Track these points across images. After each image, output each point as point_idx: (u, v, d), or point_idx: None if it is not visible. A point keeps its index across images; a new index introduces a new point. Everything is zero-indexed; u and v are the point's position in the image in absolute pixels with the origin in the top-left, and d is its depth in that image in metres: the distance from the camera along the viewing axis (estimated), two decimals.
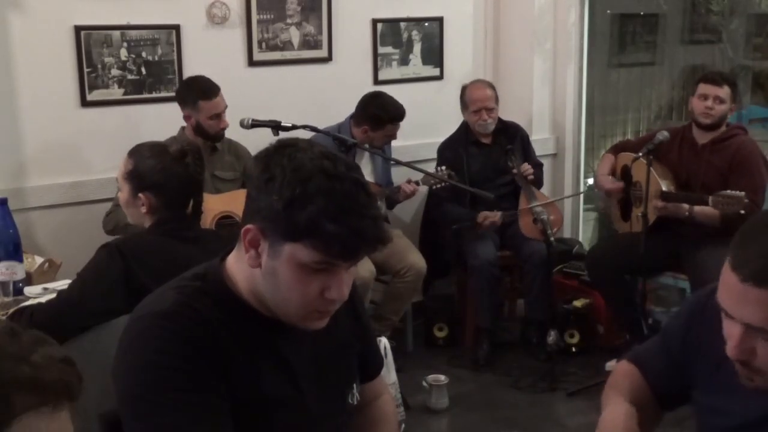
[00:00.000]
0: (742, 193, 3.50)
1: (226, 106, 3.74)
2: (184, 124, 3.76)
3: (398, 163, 3.98)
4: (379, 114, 4.11)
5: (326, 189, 1.25)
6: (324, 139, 3.60)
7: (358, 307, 1.61)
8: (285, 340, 1.42)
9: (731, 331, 1.33)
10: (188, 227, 2.38)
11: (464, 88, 4.39)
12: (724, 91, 3.81)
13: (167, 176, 2.29)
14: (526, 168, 4.28)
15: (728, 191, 3.51)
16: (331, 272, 1.31)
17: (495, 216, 4.19)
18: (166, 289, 1.42)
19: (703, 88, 3.85)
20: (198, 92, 3.69)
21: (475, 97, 4.31)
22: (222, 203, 3.66)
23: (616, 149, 4.30)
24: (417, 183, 4.11)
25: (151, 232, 2.33)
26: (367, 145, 3.96)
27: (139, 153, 2.34)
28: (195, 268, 1.46)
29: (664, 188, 3.87)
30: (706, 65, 6.12)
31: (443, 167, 4.11)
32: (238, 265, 1.40)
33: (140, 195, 2.29)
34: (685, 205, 3.77)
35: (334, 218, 1.24)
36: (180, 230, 2.33)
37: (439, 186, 4.10)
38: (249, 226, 1.32)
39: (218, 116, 3.71)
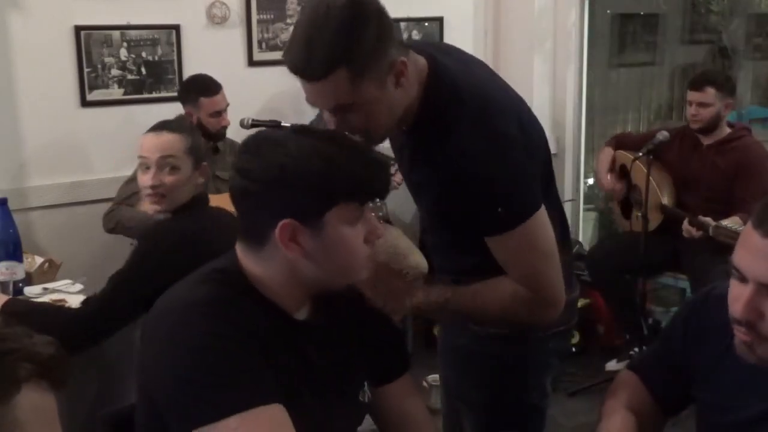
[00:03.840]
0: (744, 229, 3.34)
1: (227, 104, 3.74)
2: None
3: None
4: None
5: (334, 151, 1.35)
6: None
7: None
8: (307, 336, 1.42)
9: (740, 294, 1.35)
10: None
11: None
12: (707, 95, 3.77)
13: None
14: None
15: (731, 225, 3.29)
16: (363, 219, 1.39)
17: None
18: (191, 283, 1.40)
19: (689, 94, 3.87)
20: (198, 89, 3.69)
21: None
22: (222, 204, 3.65)
23: (617, 142, 4.26)
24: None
25: (188, 211, 2.39)
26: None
27: (186, 126, 2.45)
28: (212, 263, 1.45)
29: (663, 201, 3.85)
30: (705, 64, 6.13)
31: None
32: (260, 267, 1.39)
33: (204, 164, 2.38)
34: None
35: (359, 164, 1.36)
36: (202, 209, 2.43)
37: None
38: (284, 221, 1.32)
39: (219, 114, 3.71)
